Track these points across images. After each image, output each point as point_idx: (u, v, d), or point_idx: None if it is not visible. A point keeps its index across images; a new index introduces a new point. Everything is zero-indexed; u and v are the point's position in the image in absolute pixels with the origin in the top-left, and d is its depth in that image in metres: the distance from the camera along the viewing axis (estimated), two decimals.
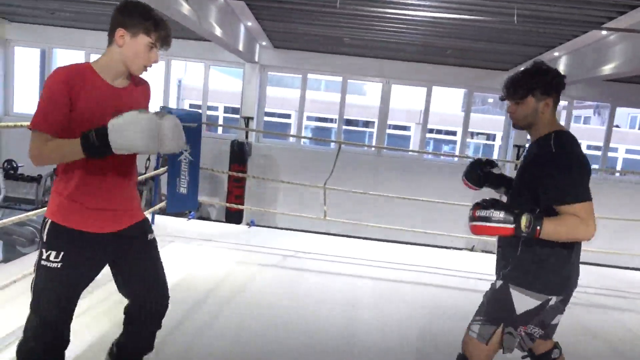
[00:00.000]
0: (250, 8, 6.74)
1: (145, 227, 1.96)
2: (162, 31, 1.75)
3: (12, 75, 10.14)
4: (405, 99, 14.01)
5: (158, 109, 1.92)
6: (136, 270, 1.92)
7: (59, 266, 1.75)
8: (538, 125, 1.91)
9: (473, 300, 2.20)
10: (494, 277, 2.03)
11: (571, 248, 1.88)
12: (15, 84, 10.22)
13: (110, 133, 1.57)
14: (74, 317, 1.87)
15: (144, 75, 1.89)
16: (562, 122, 11.04)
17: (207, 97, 10.28)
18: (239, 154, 9.24)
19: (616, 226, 8.30)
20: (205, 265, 4.06)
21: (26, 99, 10.61)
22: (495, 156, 13.49)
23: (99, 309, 2.87)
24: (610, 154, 11.04)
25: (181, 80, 16.12)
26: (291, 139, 10.87)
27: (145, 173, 5.80)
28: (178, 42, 1.87)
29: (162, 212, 5.21)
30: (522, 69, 1.94)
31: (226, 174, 8.93)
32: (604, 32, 6.09)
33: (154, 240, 1.99)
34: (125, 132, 1.57)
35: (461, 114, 11.86)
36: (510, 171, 8.53)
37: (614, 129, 10.46)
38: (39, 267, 1.79)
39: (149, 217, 4.75)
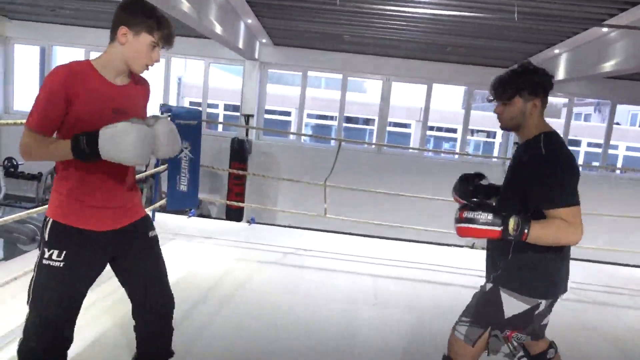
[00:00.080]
0: (250, 5, 6.73)
1: (146, 224, 1.95)
2: (165, 30, 1.73)
3: (12, 72, 10.14)
4: (406, 97, 14.01)
5: (158, 108, 1.92)
6: (136, 269, 1.91)
7: (61, 265, 1.75)
8: (526, 126, 1.88)
9: None
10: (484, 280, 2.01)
11: (562, 252, 1.86)
12: (16, 82, 10.21)
13: (100, 141, 1.57)
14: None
15: (144, 73, 1.88)
16: (563, 120, 11.07)
17: (207, 94, 10.27)
18: (239, 152, 9.24)
19: (617, 223, 8.31)
20: (205, 263, 4.07)
21: (26, 97, 10.61)
22: (495, 153, 13.49)
23: (100, 307, 2.87)
24: (610, 152, 11.04)
25: (181, 77, 16.12)
26: (291, 137, 10.87)
27: (145, 170, 5.80)
28: (178, 40, 1.85)
29: (163, 209, 5.21)
30: (509, 69, 1.92)
31: (226, 171, 8.93)
32: (605, 29, 6.08)
33: (155, 238, 1.98)
34: (115, 142, 1.57)
35: (461, 111, 11.85)
36: None
37: (615, 126, 10.46)
38: (40, 266, 1.78)
39: (149, 214, 4.75)
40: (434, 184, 8.92)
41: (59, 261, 1.75)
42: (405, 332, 3.15)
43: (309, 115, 16.83)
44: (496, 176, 2.37)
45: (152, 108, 2.02)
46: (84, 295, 1.86)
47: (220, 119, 16.16)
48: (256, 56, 9.52)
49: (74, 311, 1.84)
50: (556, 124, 13.85)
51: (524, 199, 1.80)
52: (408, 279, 4.19)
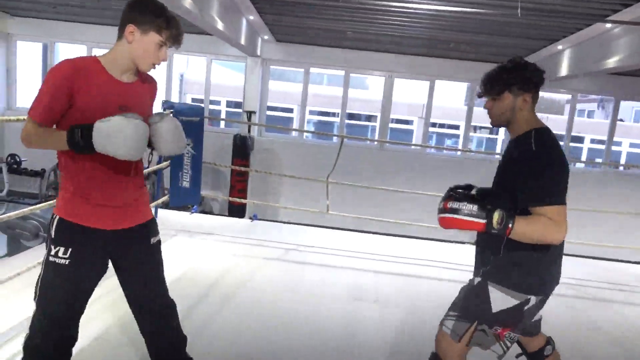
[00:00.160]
0: (252, 1, 6.71)
1: (149, 229, 1.93)
2: (173, 30, 1.72)
3: (15, 69, 10.15)
4: (408, 93, 13.97)
5: (160, 105, 1.92)
6: (134, 274, 1.91)
7: (67, 262, 1.75)
8: (516, 122, 1.85)
9: None
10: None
11: (555, 250, 1.84)
12: (18, 79, 10.22)
13: (94, 135, 1.58)
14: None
15: (151, 72, 1.87)
16: (566, 116, 11.03)
17: (210, 91, 10.27)
18: (242, 148, 9.24)
19: (620, 220, 8.30)
20: (207, 259, 4.08)
21: (29, 94, 10.63)
22: (498, 150, 13.45)
23: (103, 303, 2.88)
24: (614, 148, 10.99)
25: (183, 74, 16.11)
26: (294, 133, 10.86)
27: (148, 167, 5.81)
28: None
29: (165, 205, 5.22)
30: (499, 64, 1.88)
31: (229, 168, 8.94)
32: (609, 25, 6.04)
33: (156, 245, 1.96)
34: (109, 136, 1.57)
35: (464, 108, 11.81)
36: None
37: (618, 122, 10.40)
38: (47, 264, 1.78)
39: (152, 210, 4.77)
40: (437, 180, 8.92)
41: (64, 258, 1.75)
42: (407, 329, 3.15)
43: (311, 112, 16.80)
44: None
45: (155, 105, 2.01)
46: (90, 293, 1.86)
47: (223, 116, 16.15)
48: (258, 53, 9.50)
49: (79, 309, 1.84)
50: (559, 120, 13.82)
51: (514, 196, 1.77)
52: (410, 275, 4.19)
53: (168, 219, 4.97)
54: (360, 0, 5.91)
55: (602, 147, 10.51)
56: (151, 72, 1.89)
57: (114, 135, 1.57)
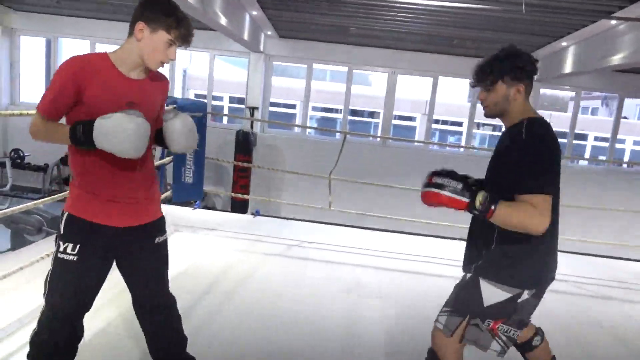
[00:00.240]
0: None
1: (155, 228, 1.92)
2: (182, 29, 1.71)
3: (18, 64, 10.17)
4: (411, 90, 13.93)
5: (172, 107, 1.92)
6: (136, 272, 1.92)
7: (75, 259, 1.76)
8: (510, 112, 1.83)
9: None
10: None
11: (548, 244, 1.82)
12: (22, 73, 10.24)
13: (94, 131, 1.58)
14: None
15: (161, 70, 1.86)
16: (570, 113, 10.97)
17: (212, 87, 10.27)
18: (244, 144, 9.24)
19: (623, 218, 8.28)
20: (210, 255, 4.08)
21: (32, 88, 10.64)
22: None
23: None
24: (617, 146, 10.97)
25: (186, 70, 16.10)
26: (296, 129, 10.85)
27: None
28: None
29: (168, 201, 5.23)
30: (492, 54, 1.86)
31: (231, 163, 8.94)
32: (613, 22, 6.01)
33: (161, 244, 1.95)
34: (108, 133, 1.57)
35: (467, 104, 11.78)
36: None
37: (622, 120, 10.37)
38: (55, 260, 1.79)
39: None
40: None
41: (72, 255, 1.75)
42: (409, 326, 3.15)
43: (314, 108, 16.77)
44: None
45: (167, 107, 2.00)
46: (97, 290, 1.86)
47: (225, 112, 16.15)
48: (261, 48, 9.49)
49: (87, 305, 1.84)
50: (563, 117, 13.74)
51: (502, 184, 1.75)
52: (412, 272, 4.19)
53: (170, 215, 4.97)
54: None
55: (606, 144, 10.47)
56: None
57: (114, 132, 1.57)
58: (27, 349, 1.89)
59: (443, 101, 11.63)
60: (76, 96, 1.66)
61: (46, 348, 1.82)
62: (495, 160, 1.88)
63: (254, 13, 7.69)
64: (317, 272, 3.97)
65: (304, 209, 6.16)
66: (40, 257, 3.06)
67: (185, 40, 1.74)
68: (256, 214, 5.58)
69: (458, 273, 2.03)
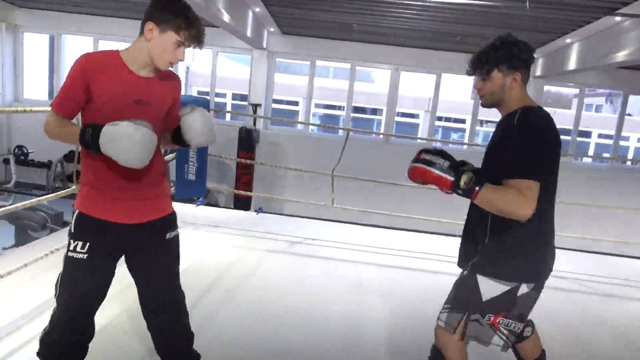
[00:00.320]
0: None
1: (166, 224, 1.91)
2: (192, 30, 1.69)
3: (22, 61, 10.18)
4: (414, 87, 13.90)
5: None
6: (145, 269, 1.90)
7: (84, 257, 1.76)
8: (507, 102, 1.80)
9: None
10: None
11: (542, 236, 1.81)
12: (25, 70, 10.26)
13: (100, 138, 1.58)
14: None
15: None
16: (574, 111, 10.94)
17: (215, 83, 10.27)
18: (247, 141, 9.24)
19: (627, 215, 8.25)
20: (213, 252, 4.10)
21: (36, 85, 10.66)
22: None
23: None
24: (622, 143, 10.91)
25: (189, 67, 16.09)
26: (299, 126, 10.86)
27: None
28: None
29: (171, 198, 5.24)
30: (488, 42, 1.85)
31: (234, 160, 8.95)
32: (618, 18, 5.97)
33: (172, 240, 1.93)
34: (114, 141, 1.58)
35: (470, 101, 11.75)
36: None
37: (626, 117, 10.32)
38: (66, 259, 1.79)
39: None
40: None
41: (82, 253, 1.76)
42: (412, 323, 3.15)
43: (317, 105, 16.77)
44: None
45: (183, 105, 1.97)
46: (106, 288, 1.86)
47: (228, 108, 16.16)
48: (264, 45, 9.48)
49: (96, 304, 1.84)
50: (567, 114, 13.69)
51: (496, 171, 1.74)
52: (415, 269, 4.19)
53: None
54: None
55: (610, 141, 10.42)
56: None
57: (119, 140, 1.57)
58: (32, 344, 1.90)
59: (446, 98, 11.59)
60: (86, 93, 1.67)
61: (57, 347, 1.82)
62: (488, 149, 1.88)
63: (257, 10, 7.68)
64: (319, 269, 3.97)
65: (306, 206, 6.16)
66: (44, 253, 3.08)
67: (195, 41, 1.73)
68: (259, 211, 5.59)
69: (460, 270, 2.03)
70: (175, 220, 1.98)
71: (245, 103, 10.26)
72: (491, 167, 1.80)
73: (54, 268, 3.05)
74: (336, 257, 4.29)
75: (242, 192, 7.94)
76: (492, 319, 1.82)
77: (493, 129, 1.94)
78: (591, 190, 8.73)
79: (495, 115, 1.89)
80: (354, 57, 9.80)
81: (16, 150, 9.71)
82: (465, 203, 1.91)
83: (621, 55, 6.37)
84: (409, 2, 6.27)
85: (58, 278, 1.83)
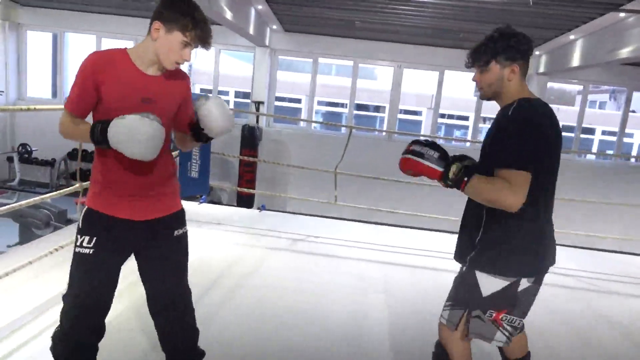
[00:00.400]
0: None
1: (174, 221, 1.91)
2: (198, 31, 1.69)
3: (25, 59, 10.20)
4: (417, 83, 13.87)
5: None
6: (153, 267, 1.90)
7: (91, 252, 1.76)
8: (505, 94, 1.79)
9: None
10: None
11: (537, 229, 1.79)
12: (29, 69, 10.28)
13: (109, 132, 1.59)
14: None
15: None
16: (577, 107, 10.88)
17: (218, 81, 10.27)
18: (250, 139, 9.25)
19: (631, 212, 8.22)
20: (216, 249, 4.10)
21: (39, 84, 10.69)
22: None
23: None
24: (625, 140, 10.86)
25: (192, 64, 16.09)
26: (302, 124, 10.84)
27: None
28: None
29: None
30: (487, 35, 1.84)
31: (237, 158, 8.96)
32: (622, 14, 5.94)
33: (180, 237, 1.93)
34: (122, 134, 1.58)
35: (473, 98, 11.72)
36: None
37: (630, 114, 10.26)
38: (74, 255, 1.80)
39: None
40: None
41: (89, 248, 1.76)
42: (415, 321, 3.16)
43: (320, 103, 16.75)
44: None
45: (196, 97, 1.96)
46: (114, 283, 1.86)
47: (231, 106, 16.16)
48: (267, 43, 9.47)
49: (105, 299, 1.84)
50: (570, 111, 13.62)
51: (489, 161, 1.73)
52: (418, 267, 4.19)
53: None
54: None
55: (614, 138, 10.38)
56: None
57: (127, 133, 1.58)
58: (37, 341, 1.91)
59: (449, 95, 11.59)
60: (96, 91, 1.69)
61: (65, 344, 1.82)
62: (484, 142, 1.87)
63: (260, 7, 7.67)
64: (322, 267, 3.97)
65: (309, 204, 6.17)
66: (48, 251, 3.09)
67: (201, 41, 1.72)
68: (262, 208, 5.59)
69: (460, 266, 2.03)
70: (184, 217, 1.98)
71: (248, 101, 10.26)
72: (487, 159, 1.79)
73: (58, 266, 3.08)
74: (339, 255, 4.29)
75: (245, 190, 7.94)
76: (494, 315, 1.82)
77: None
78: (595, 188, 8.70)
79: (488, 101, 1.88)
80: (356, 54, 9.78)
81: (20, 148, 9.75)
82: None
83: (625, 52, 6.33)
84: None
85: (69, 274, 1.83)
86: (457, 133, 17.85)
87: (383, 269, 4.05)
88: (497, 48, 1.77)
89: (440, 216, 5.33)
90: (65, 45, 10.26)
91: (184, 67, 1.90)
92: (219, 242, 4.28)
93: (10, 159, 9.73)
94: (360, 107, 16.56)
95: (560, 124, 1.83)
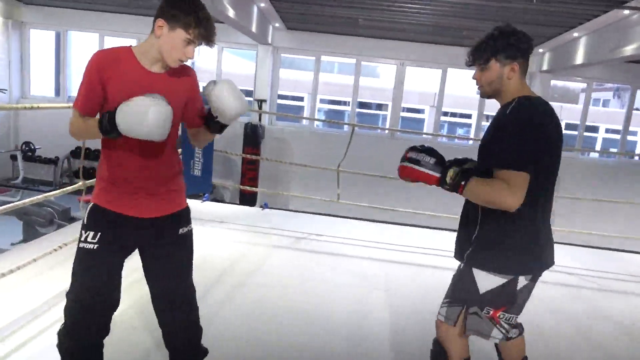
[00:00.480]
0: None
1: (179, 219, 1.91)
2: (201, 29, 1.69)
3: (28, 57, 10.23)
4: (420, 81, 13.83)
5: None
6: (157, 264, 1.90)
7: (94, 247, 1.77)
8: (505, 92, 1.78)
9: None
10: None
11: (533, 226, 1.78)
12: (32, 67, 10.31)
13: (117, 116, 1.59)
14: None
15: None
16: (581, 105, 10.86)
17: (221, 79, 10.27)
18: (253, 137, 9.26)
19: (634, 211, 8.19)
20: (218, 247, 4.11)
21: (42, 82, 10.71)
22: None
23: None
24: (629, 138, 10.80)
25: (194, 62, 16.10)
26: (304, 122, 10.84)
27: None
28: None
29: None
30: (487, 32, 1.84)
31: (240, 156, 8.97)
32: (626, 12, 5.91)
33: (185, 235, 1.93)
34: (130, 116, 1.58)
35: (476, 96, 11.68)
36: None
37: (634, 112, 10.23)
38: (77, 251, 1.80)
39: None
40: None
41: (92, 243, 1.77)
42: (416, 318, 3.16)
43: (322, 101, 16.73)
44: None
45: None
46: (118, 279, 1.85)
47: None
48: (269, 41, 9.47)
49: (109, 296, 1.84)
50: (574, 109, 13.55)
51: (487, 162, 1.73)
52: (420, 265, 4.19)
53: None
54: None
55: (617, 136, 10.33)
56: None
57: (135, 114, 1.57)
58: (41, 339, 1.92)
59: (452, 93, 11.54)
60: (102, 89, 1.70)
61: (72, 340, 1.82)
62: (482, 141, 1.86)
63: (262, 5, 7.66)
64: (324, 265, 3.98)
65: (312, 202, 6.17)
66: (52, 249, 3.11)
67: (204, 39, 1.72)
68: (264, 206, 5.60)
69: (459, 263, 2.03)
70: (189, 215, 1.98)
71: (251, 99, 10.26)
72: (485, 159, 1.79)
73: (61, 263, 3.09)
74: (341, 253, 4.29)
75: (248, 188, 7.95)
76: (491, 312, 1.82)
77: None
78: (598, 186, 8.68)
79: (488, 99, 1.88)
80: (359, 52, 9.77)
81: (23, 146, 9.78)
82: None
83: (629, 49, 6.30)
84: None
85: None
86: (460, 131, 17.81)
87: (385, 267, 4.05)
88: (497, 46, 1.77)
89: (443, 214, 5.33)
90: (68, 44, 10.28)
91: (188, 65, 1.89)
92: (222, 240, 4.29)
93: (14, 157, 9.77)
94: (362, 105, 16.52)
95: (564, 122, 1.83)
